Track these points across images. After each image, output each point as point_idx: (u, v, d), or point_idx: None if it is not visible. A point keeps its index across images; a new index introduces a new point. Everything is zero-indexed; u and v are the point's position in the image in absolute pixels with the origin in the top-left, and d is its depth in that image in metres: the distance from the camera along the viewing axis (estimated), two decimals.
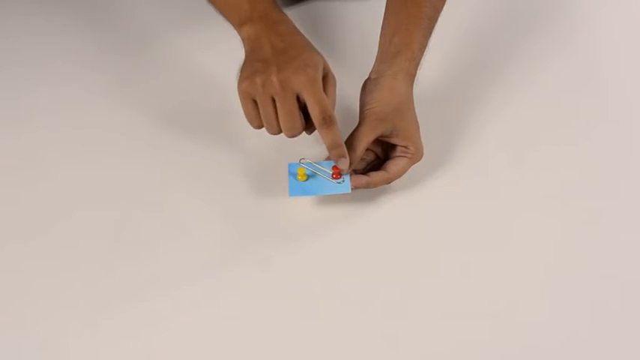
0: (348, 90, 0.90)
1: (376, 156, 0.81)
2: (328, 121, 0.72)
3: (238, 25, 0.77)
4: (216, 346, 0.71)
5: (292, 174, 0.77)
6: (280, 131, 0.74)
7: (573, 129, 0.88)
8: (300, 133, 0.74)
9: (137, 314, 0.73)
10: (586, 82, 0.94)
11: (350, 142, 0.76)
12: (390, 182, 0.79)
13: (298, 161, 0.78)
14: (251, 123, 0.75)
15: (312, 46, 0.75)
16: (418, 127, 0.80)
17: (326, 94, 0.73)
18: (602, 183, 0.83)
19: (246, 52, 0.76)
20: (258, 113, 0.73)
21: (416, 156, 0.78)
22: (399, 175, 0.79)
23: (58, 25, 1.02)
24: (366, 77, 0.81)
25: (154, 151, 0.86)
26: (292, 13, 0.98)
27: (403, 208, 0.80)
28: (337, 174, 0.76)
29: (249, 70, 0.73)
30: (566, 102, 0.91)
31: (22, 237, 0.79)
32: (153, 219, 0.80)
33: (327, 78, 0.74)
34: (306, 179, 0.77)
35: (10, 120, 0.91)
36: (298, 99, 0.72)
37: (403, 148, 0.78)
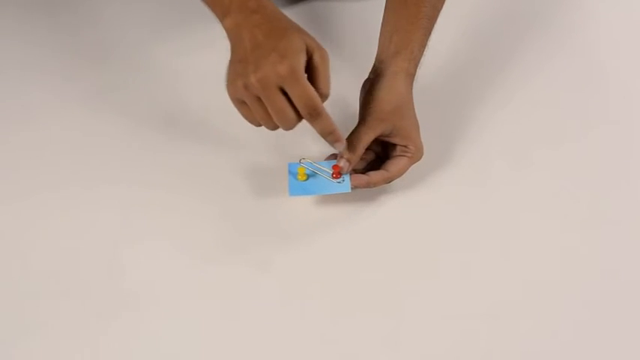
0: (348, 89, 0.89)
1: (376, 155, 0.81)
2: (314, 113, 0.70)
3: (221, 18, 0.74)
4: (217, 346, 0.71)
5: (292, 174, 0.77)
6: (277, 126, 0.72)
7: (573, 129, 0.88)
8: (297, 123, 0.72)
9: (137, 315, 0.73)
10: (586, 82, 0.94)
11: (350, 142, 0.76)
12: (390, 182, 0.79)
13: (298, 161, 0.78)
14: (251, 123, 0.74)
15: (291, 29, 0.71)
16: (418, 127, 0.80)
17: (316, 74, 0.70)
18: (603, 183, 0.83)
19: (230, 48, 0.74)
20: (253, 113, 0.72)
21: (416, 155, 0.78)
22: (399, 175, 0.78)
23: (54, 27, 1.02)
24: (366, 77, 0.81)
25: (154, 150, 0.86)
26: (292, 13, 0.98)
27: (403, 208, 0.80)
28: (337, 173, 0.76)
29: (232, 74, 0.71)
30: (566, 102, 0.91)
31: (19, 238, 0.79)
32: (152, 219, 0.80)
33: (313, 58, 0.70)
34: (306, 179, 0.77)
35: (6, 121, 0.91)
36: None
37: (403, 148, 0.78)
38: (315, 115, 0.70)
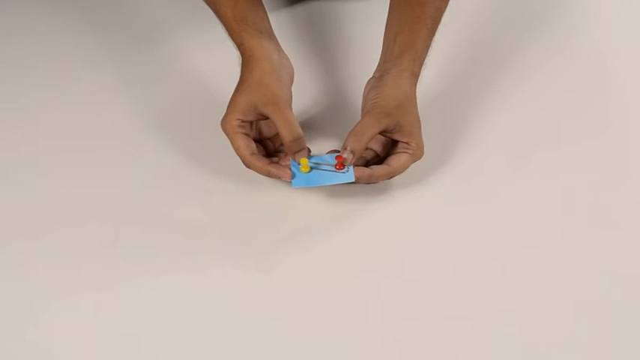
0: (349, 89, 0.91)
1: (376, 154, 0.81)
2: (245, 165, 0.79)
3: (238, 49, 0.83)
4: (217, 347, 0.70)
5: (295, 166, 0.77)
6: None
7: (573, 129, 0.89)
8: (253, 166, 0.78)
9: (137, 317, 0.72)
10: (586, 82, 0.94)
11: (354, 134, 0.76)
12: (391, 177, 0.79)
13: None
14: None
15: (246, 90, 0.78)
16: (420, 126, 0.80)
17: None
18: (603, 183, 0.83)
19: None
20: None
21: (417, 153, 0.79)
22: (400, 171, 0.78)
23: (55, 26, 1.03)
24: (368, 77, 0.82)
25: (153, 149, 0.86)
26: (293, 13, 1.00)
27: (403, 208, 0.80)
28: (340, 164, 0.76)
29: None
30: (566, 102, 0.92)
31: (16, 240, 0.78)
32: (152, 218, 0.79)
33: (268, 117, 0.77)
34: (309, 171, 0.77)
35: (6, 121, 0.91)
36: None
37: (405, 145, 0.78)
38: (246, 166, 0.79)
